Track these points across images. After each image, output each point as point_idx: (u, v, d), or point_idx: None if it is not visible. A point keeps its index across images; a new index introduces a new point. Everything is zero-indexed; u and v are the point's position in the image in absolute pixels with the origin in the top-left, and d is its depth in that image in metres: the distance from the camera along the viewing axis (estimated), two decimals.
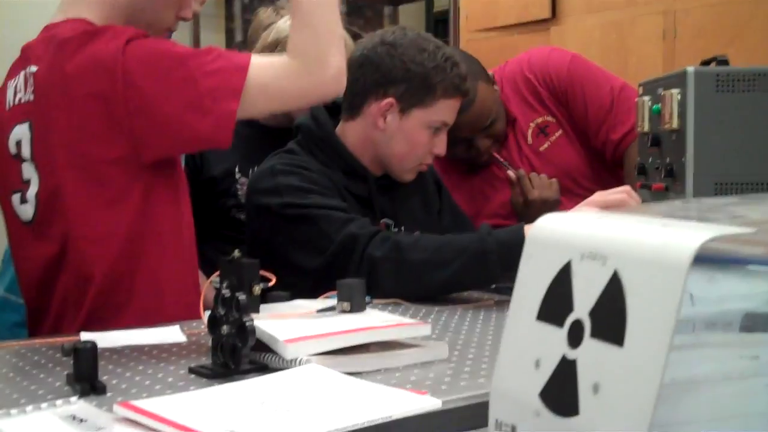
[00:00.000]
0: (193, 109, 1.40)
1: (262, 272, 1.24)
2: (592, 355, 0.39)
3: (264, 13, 2.55)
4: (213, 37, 3.40)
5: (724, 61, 1.65)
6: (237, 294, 1.08)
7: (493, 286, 1.70)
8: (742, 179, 1.57)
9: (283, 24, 2.23)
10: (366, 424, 0.85)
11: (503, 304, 1.61)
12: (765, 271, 0.37)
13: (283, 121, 2.18)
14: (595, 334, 0.39)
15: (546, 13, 4.00)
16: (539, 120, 2.22)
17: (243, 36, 3.47)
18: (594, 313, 0.40)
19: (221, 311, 1.10)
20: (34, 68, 1.48)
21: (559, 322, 0.41)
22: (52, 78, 1.44)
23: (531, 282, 0.44)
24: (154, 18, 1.57)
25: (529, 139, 2.22)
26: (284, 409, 0.91)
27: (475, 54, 3.91)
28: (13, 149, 1.50)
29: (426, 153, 1.83)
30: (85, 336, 1.28)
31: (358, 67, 1.81)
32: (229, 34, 3.49)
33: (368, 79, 1.80)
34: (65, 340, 1.28)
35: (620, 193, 1.52)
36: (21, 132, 1.49)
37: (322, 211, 1.69)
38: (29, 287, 1.55)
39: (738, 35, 3.38)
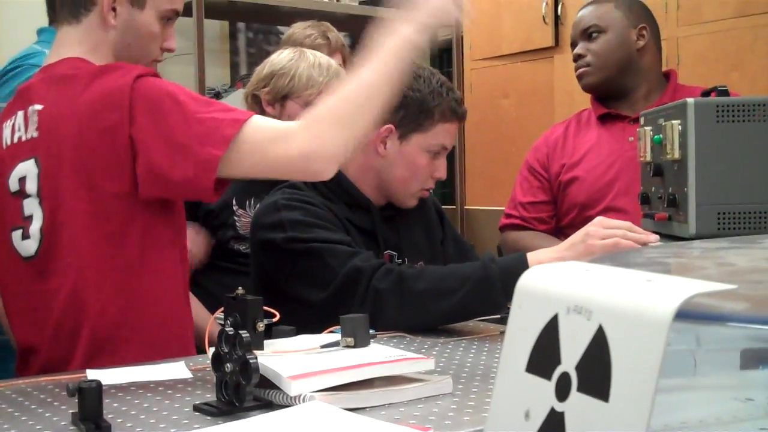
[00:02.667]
0: (179, 151, 1.42)
1: (266, 308, 1.25)
2: (579, 408, 0.39)
3: (297, 27, 2.58)
4: (218, 72, 3.42)
5: (724, 92, 1.66)
6: (240, 332, 1.09)
7: (499, 315, 1.71)
8: (745, 208, 1.58)
9: (277, 57, 2.26)
10: None
11: None
12: (745, 327, 0.38)
13: None
14: (581, 388, 0.40)
15: (549, 42, 4.02)
16: None
17: (248, 70, 3.50)
18: (580, 368, 0.40)
19: (225, 349, 1.11)
20: (38, 107, 1.50)
21: (548, 375, 0.42)
22: (61, 114, 1.47)
23: (520, 333, 0.45)
24: (141, 53, 1.60)
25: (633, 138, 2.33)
26: None
27: (480, 83, 3.95)
28: (14, 186, 1.52)
29: (427, 177, 1.85)
30: (91, 373, 1.29)
31: None
32: (234, 68, 3.52)
33: None
34: (70, 378, 1.29)
35: (619, 228, 1.54)
36: (25, 168, 1.51)
37: (326, 245, 1.70)
38: (22, 324, 1.55)
39: (740, 62, 3.40)
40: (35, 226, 1.50)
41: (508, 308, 1.54)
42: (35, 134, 1.50)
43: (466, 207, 3.92)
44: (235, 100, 2.76)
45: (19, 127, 1.53)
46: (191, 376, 1.29)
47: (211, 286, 2.19)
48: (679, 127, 1.60)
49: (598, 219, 1.59)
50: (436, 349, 1.48)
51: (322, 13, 2.99)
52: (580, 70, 2.42)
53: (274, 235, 1.75)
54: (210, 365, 1.16)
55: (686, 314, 0.36)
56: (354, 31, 3.72)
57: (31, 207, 1.50)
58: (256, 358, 1.07)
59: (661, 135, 1.68)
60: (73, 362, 1.45)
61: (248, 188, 2.19)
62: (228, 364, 1.09)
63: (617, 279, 0.41)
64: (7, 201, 1.54)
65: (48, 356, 1.49)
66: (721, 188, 1.58)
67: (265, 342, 1.25)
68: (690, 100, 1.59)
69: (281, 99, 2.21)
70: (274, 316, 1.26)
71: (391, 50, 1.46)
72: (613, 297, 0.39)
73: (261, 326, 1.20)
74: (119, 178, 1.45)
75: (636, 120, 2.34)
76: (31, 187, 1.50)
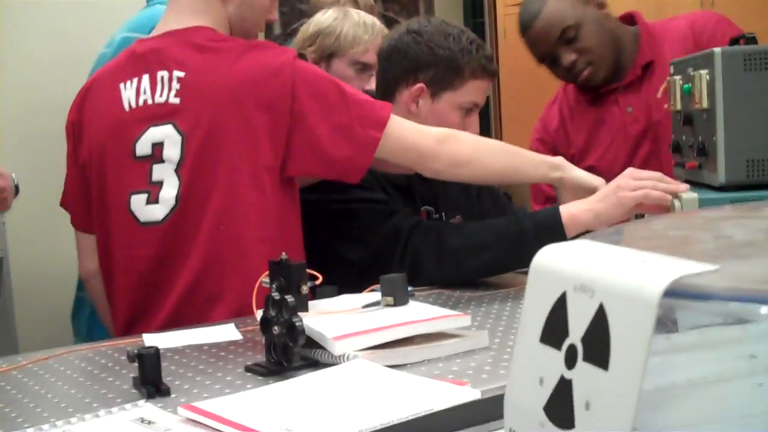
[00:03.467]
0: (342, 132, 1.53)
1: (309, 271, 1.32)
2: (584, 376, 0.45)
3: None
4: None
5: (752, 39, 1.67)
6: (286, 296, 1.15)
7: None
8: None
9: (321, 17, 2.31)
10: (409, 418, 0.92)
11: None
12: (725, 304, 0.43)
13: None
14: (586, 358, 0.45)
15: None
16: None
17: (282, 29, 3.53)
18: (585, 340, 0.46)
19: (272, 313, 1.17)
20: (180, 73, 1.53)
21: (558, 346, 0.47)
22: (213, 84, 1.52)
23: (534, 307, 0.50)
24: (253, 24, 1.69)
25: (659, 93, 2.20)
26: (334, 405, 0.98)
27: (514, 28, 3.92)
28: (143, 150, 1.55)
29: None
30: (148, 338, 1.37)
31: (386, 57, 1.89)
32: (268, 28, 3.56)
33: (398, 67, 1.87)
34: (127, 342, 1.37)
35: (650, 179, 1.57)
36: (162, 134, 1.54)
37: (365, 204, 1.76)
38: (129, 286, 1.60)
39: None
40: (168, 193, 1.53)
41: None
42: (174, 100, 1.53)
43: None
44: None
45: (145, 90, 1.56)
46: (241, 337, 1.36)
47: None
48: (707, 76, 1.62)
49: (629, 171, 1.63)
50: (473, 303, 1.53)
51: None
52: (585, 73, 2.26)
53: (312, 196, 1.81)
54: (258, 327, 1.23)
55: (673, 293, 0.41)
56: None
57: (164, 173, 1.53)
58: (302, 320, 1.14)
59: (690, 84, 1.70)
60: (162, 316, 1.53)
61: None
62: (276, 327, 1.16)
63: (617, 259, 0.46)
64: (129, 164, 1.56)
65: (176, 317, 1.54)
66: (749, 137, 1.60)
67: (310, 303, 1.32)
68: (717, 50, 1.60)
69: (327, 57, 2.27)
70: (317, 278, 1.32)
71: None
72: (611, 277, 0.44)
73: (305, 289, 1.26)
74: (269, 153, 1.52)
75: (626, 87, 2.30)
76: (171, 153, 1.53)
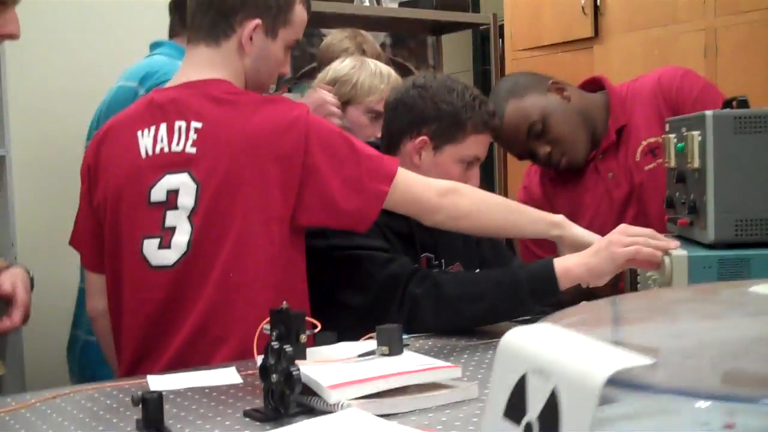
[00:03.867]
0: (352, 184, 1.60)
1: (308, 319, 1.37)
2: None
3: (335, 38, 2.71)
4: None
5: (743, 102, 1.73)
6: (284, 346, 1.21)
7: (528, 317, 1.81)
8: (762, 215, 1.65)
9: (339, 65, 2.39)
10: None
11: None
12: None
13: None
14: None
15: (589, 32, 4.08)
16: (652, 140, 2.26)
17: (293, 73, 3.62)
18: (540, 418, 0.51)
19: (271, 361, 1.23)
20: (197, 124, 1.60)
21: (518, 421, 0.53)
22: (230, 135, 1.58)
23: (500, 385, 0.55)
24: (267, 78, 1.77)
25: (638, 156, 2.28)
26: None
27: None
28: (158, 197, 1.61)
29: None
30: (152, 379, 1.43)
31: (393, 109, 1.96)
32: None
33: (403, 119, 1.94)
34: (134, 383, 1.43)
35: (641, 236, 1.63)
36: (177, 181, 1.60)
37: (365, 252, 1.82)
38: (137, 325, 1.65)
39: None
40: (180, 239, 1.59)
41: (538, 310, 1.65)
42: (192, 150, 1.59)
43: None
44: None
45: (162, 139, 1.63)
46: (242, 381, 1.42)
47: None
48: (699, 138, 1.68)
49: (622, 226, 1.68)
50: (467, 352, 1.58)
51: (364, 18, 3.09)
52: (563, 161, 2.29)
53: (316, 242, 1.87)
54: (258, 370, 1.28)
55: (614, 382, 0.46)
56: (395, 32, 3.84)
57: (177, 219, 1.59)
58: (299, 369, 1.19)
59: (683, 144, 1.76)
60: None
61: None
62: (274, 375, 1.21)
63: (571, 347, 0.51)
64: (143, 209, 1.62)
65: (181, 358, 1.59)
66: (739, 197, 1.65)
67: (309, 350, 1.37)
68: (709, 113, 1.66)
69: (343, 105, 2.34)
70: (317, 326, 1.38)
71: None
72: (564, 365, 0.50)
73: (303, 338, 1.31)
74: (283, 203, 1.59)
75: (603, 153, 2.30)
76: (186, 201, 1.59)
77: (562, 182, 2.39)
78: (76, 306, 2.45)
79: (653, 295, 1.06)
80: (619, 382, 0.46)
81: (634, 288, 1.88)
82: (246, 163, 1.57)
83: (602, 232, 2.10)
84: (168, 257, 1.60)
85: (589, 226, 2.22)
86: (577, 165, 2.32)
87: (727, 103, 1.77)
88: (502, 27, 4.33)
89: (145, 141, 1.64)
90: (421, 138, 1.91)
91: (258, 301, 1.59)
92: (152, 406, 1.15)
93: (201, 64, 1.68)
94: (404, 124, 1.93)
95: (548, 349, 0.52)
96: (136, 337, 1.65)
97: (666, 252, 1.64)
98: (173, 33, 2.45)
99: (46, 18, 2.59)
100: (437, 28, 3.91)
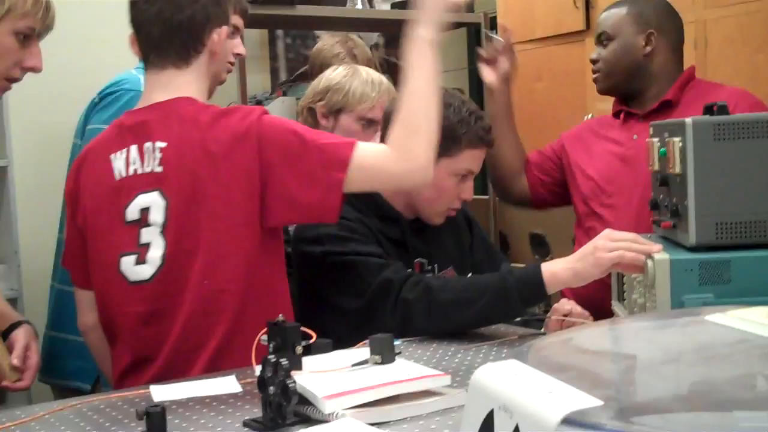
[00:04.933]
0: (308, 179, 1.64)
1: (304, 330, 1.43)
2: None
3: (326, 43, 2.76)
4: (258, 78, 3.58)
5: (723, 108, 1.78)
6: (281, 360, 1.27)
7: (518, 318, 1.87)
8: (742, 218, 1.71)
9: (332, 74, 2.43)
10: None
11: (525, 339, 1.78)
12: None
13: None
14: None
15: (580, 25, 4.12)
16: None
17: (287, 75, 3.66)
18: None
19: (268, 373, 1.29)
20: (161, 144, 1.67)
21: None
22: (191, 152, 1.65)
23: (472, 417, 0.61)
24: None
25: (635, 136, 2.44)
26: None
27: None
28: (132, 216, 1.69)
29: (453, 198, 2.00)
30: (154, 389, 1.48)
31: (390, 120, 2.00)
32: (274, 74, 3.69)
33: None
34: (138, 393, 1.49)
35: (625, 241, 1.69)
36: (150, 200, 1.67)
37: (360, 257, 1.88)
38: (124, 338, 1.73)
39: (766, 44, 3.47)
40: (155, 253, 1.67)
41: (525, 313, 1.72)
42: (158, 169, 1.67)
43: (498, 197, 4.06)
44: (275, 108, 2.93)
45: (134, 161, 1.70)
46: (241, 390, 1.47)
47: None
48: (680, 144, 1.73)
49: (606, 232, 1.74)
50: (458, 357, 1.64)
51: (357, 20, 3.14)
52: (594, 76, 2.52)
53: (313, 248, 1.93)
54: (257, 382, 1.34)
55: (568, 422, 0.52)
56: (387, 33, 3.88)
57: (150, 235, 1.67)
58: (295, 382, 1.25)
59: (665, 149, 1.81)
60: (193, 371, 1.65)
61: None
62: (271, 387, 1.27)
63: (533, 386, 0.57)
64: (120, 228, 1.70)
65: (167, 366, 1.67)
66: (719, 201, 1.70)
67: (304, 359, 1.43)
68: (688, 120, 1.71)
69: (335, 112, 2.39)
70: (311, 337, 1.44)
71: (419, 55, 1.69)
72: (524, 404, 0.55)
73: (299, 349, 1.38)
74: (249, 208, 1.65)
75: (644, 117, 2.46)
76: (156, 217, 1.66)
77: (610, 121, 2.57)
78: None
79: (615, 325, 1.11)
80: (572, 421, 0.52)
81: (620, 289, 1.94)
82: (208, 177, 1.64)
83: (599, 180, 2.36)
84: (144, 272, 1.68)
85: (593, 170, 2.43)
86: (600, 92, 2.56)
87: (708, 109, 1.82)
88: (494, 19, 4.36)
89: (117, 164, 1.72)
90: None
91: (236, 305, 1.66)
92: (156, 420, 1.21)
93: (168, 86, 1.73)
94: None
95: (512, 387, 0.58)
96: (124, 350, 1.73)
97: (649, 256, 1.69)
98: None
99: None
100: None
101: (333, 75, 2.41)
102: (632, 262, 1.69)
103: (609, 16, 2.52)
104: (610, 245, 1.70)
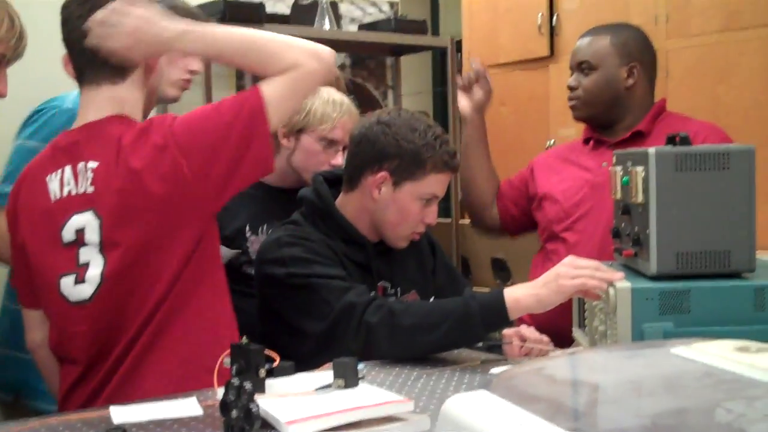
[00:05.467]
0: (233, 139, 1.63)
1: (267, 352, 1.43)
2: None
3: None
4: (224, 95, 3.55)
5: (685, 139, 1.81)
6: (244, 383, 1.26)
7: (480, 344, 1.88)
8: (702, 248, 1.74)
9: None
10: None
11: (488, 364, 1.78)
12: None
13: (288, 181, 2.38)
14: None
15: (545, 52, 4.16)
16: None
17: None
18: None
19: (231, 397, 1.28)
20: (93, 164, 1.67)
21: None
22: (118, 171, 1.64)
23: None
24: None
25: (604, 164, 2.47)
26: None
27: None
28: (69, 237, 1.68)
29: (417, 222, 2.01)
30: (114, 410, 1.47)
31: (357, 143, 2.02)
32: (240, 90, 3.68)
33: (365, 154, 2.00)
34: (98, 414, 1.47)
35: (587, 268, 1.70)
36: (84, 220, 1.66)
37: (323, 280, 1.87)
38: (73, 355, 1.72)
39: (728, 73, 3.53)
40: (94, 272, 1.65)
41: (488, 338, 1.72)
42: (90, 189, 1.66)
43: (461, 221, 4.07)
44: None
45: (68, 182, 1.69)
46: (202, 413, 1.46)
47: None
48: (643, 173, 1.76)
49: (569, 259, 1.75)
50: (420, 382, 1.64)
51: (324, 40, 3.14)
52: (571, 102, 2.53)
53: (276, 270, 1.93)
54: (218, 402, 1.33)
55: None
56: (354, 54, 3.91)
57: (89, 254, 1.66)
58: (258, 406, 1.24)
59: (628, 177, 1.84)
60: (138, 389, 1.64)
61: (261, 215, 2.36)
62: (234, 411, 1.27)
63: (502, 420, 0.57)
64: (58, 250, 1.69)
65: (110, 384, 1.67)
66: (680, 231, 1.73)
67: (267, 382, 1.42)
68: (651, 150, 1.74)
69: (296, 132, 2.37)
70: (275, 360, 1.43)
71: None
72: None
73: (263, 372, 1.37)
74: (180, 214, 1.64)
75: (614, 146, 2.49)
76: (92, 237, 1.65)
77: (579, 147, 2.60)
78: None
79: (582, 356, 1.13)
80: None
81: (581, 316, 1.96)
82: (135, 193, 1.63)
83: (565, 204, 2.43)
84: (84, 292, 1.67)
85: (560, 194, 2.47)
86: (577, 119, 2.57)
87: (670, 140, 1.85)
88: (460, 43, 4.40)
89: (53, 185, 1.71)
90: (381, 173, 1.97)
91: (175, 320, 1.66)
92: None
93: (102, 103, 1.73)
94: (366, 158, 1.99)
95: (482, 420, 0.58)
96: (72, 367, 1.72)
97: (611, 283, 1.71)
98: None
99: (36, 29, 2.59)
100: (397, 50, 3.97)
101: None
102: (594, 291, 1.71)
103: (591, 44, 2.52)
104: (573, 272, 1.71)
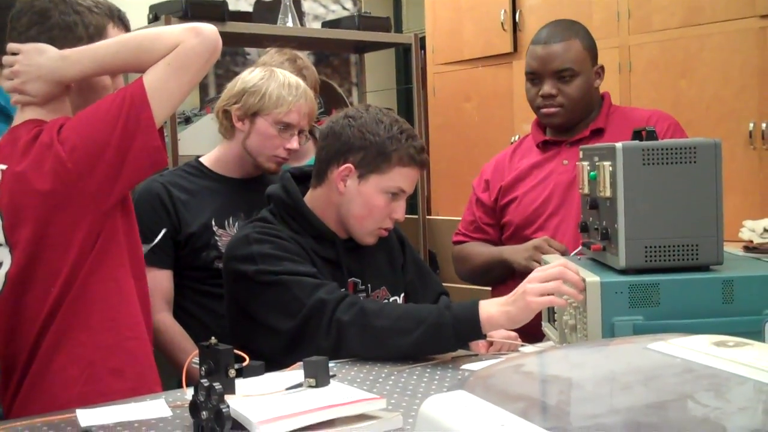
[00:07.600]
0: (117, 132, 1.62)
1: (236, 352, 1.41)
2: None
3: (273, 59, 2.72)
4: None
5: (651, 134, 1.82)
6: (214, 384, 1.24)
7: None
8: (670, 242, 1.74)
9: (248, 75, 2.39)
10: None
11: (459, 360, 1.78)
12: None
13: (247, 169, 2.36)
14: None
15: (508, 48, 4.19)
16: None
17: (216, 92, 3.62)
18: None
19: (201, 398, 1.26)
20: (3, 166, 1.69)
21: None
22: (19, 173, 1.65)
23: None
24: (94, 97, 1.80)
25: (565, 162, 2.48)
26: None
27: (442, 86, 4.08)
28: None
29: (384, 217, 1.99)
30: (81, 413, 1.44)
31: (324, 137, 2.01)
32: (203, 90, 3.65)
33: (331, 147, 1.98)
34: (63, 418, 1.44)
35: (557, 267, 1.70)
36: None
37: (294, 277, 1.85)
38: None
39: (688, 69, 3.58)
40: (1, 271, 1.66)
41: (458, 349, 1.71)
42: None
43: (428, 217, 4.08)
44: (205, 125, 2.89)
45: None
46: (171, 414, 1.44)
47: (194, 309, 2.33)
48: (610, 168, 1.76)
49: (534, 274, 1.74)
50: (392, 379, 1.63)
51: (287, 38, 3.12)
52: (550, 110, 2.46)
53: (245, 267, 1.90)
54: (187, 403, 1.31)
55: None
56: (318, 51, 3.89)
57: (2, 255, 1.67)
58: (228, 406, 1.23)
59: (595, 172, 1.84)
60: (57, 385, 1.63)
61: (225, 208, 2.33)
62: (204, 412, 1.25)
63: (483, 420, 0.57)
64: None
65: (29, 382, 1.66)
66: (648, 225, 1.73)
67: (237, 382, 1.41)
68: (618, 145, 1.74)
69: (251, 115, 2.33)
70: (244, 359, 1.41)
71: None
72: None
73: (232, 372, 1.35)
74: (77, 211, 1.63)
75: (572, 143, 2.49)
76: (1, 237, 1.67)
77: (533, 149, 2.57)
78: None
79: (559, 353, 1.12)
80: None
81: (551, 310, 1.96)
82: (20, 191, 1.65)
83: (530, 207, 2.43)
84: None
85: (523, 196, 2.46)
86: (552, 124, 2.50)
87: (637, 134, 1.85)
88: (423, 40, 4.40)
89: None
90: (346, 165, 1.96)
91: (81, 320, 1.65)
92: None
93: (26, 108, 1.74)
94: (332, 151, 1.98)
95: (462, 421, 0.57)
96: None
97: (581, 290, 1.70)
98: None
99: None
100: (360, 47, 3.96)
101: (249, 77, 2.37)
102: (562, 305, 1.72)
103: (567, 50, 2.45)
104: (540, 288, 1.70)
